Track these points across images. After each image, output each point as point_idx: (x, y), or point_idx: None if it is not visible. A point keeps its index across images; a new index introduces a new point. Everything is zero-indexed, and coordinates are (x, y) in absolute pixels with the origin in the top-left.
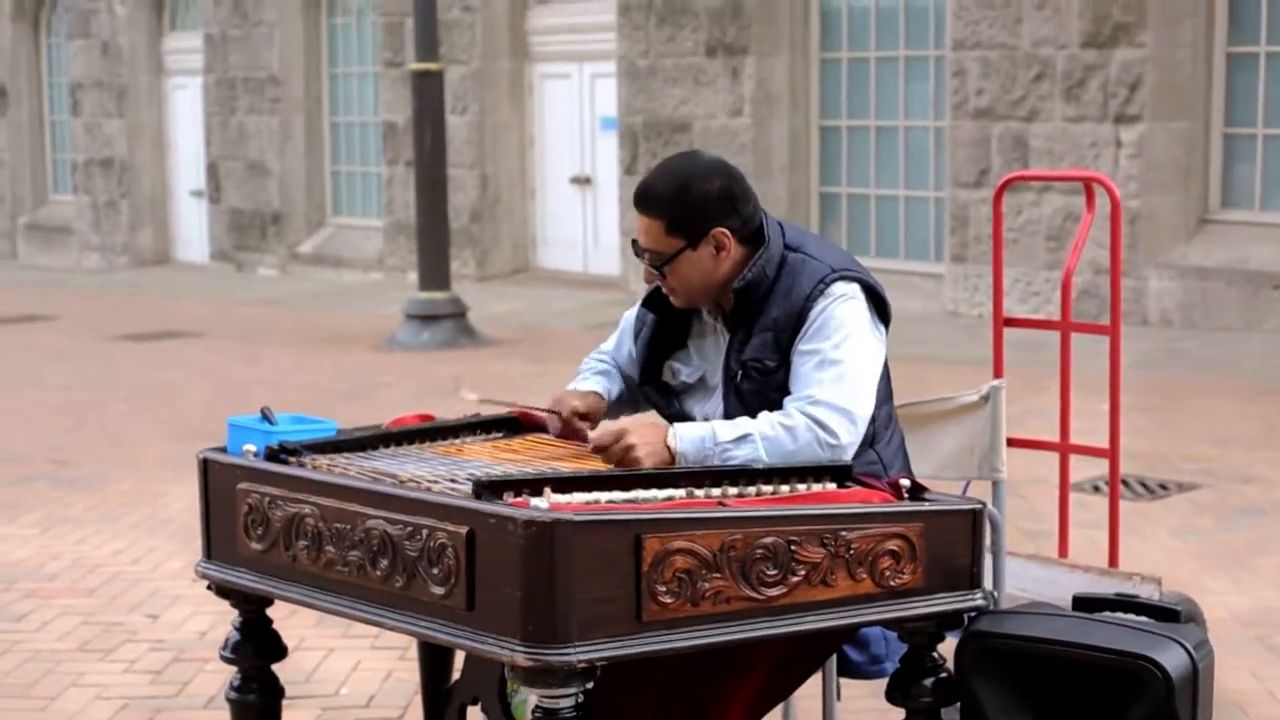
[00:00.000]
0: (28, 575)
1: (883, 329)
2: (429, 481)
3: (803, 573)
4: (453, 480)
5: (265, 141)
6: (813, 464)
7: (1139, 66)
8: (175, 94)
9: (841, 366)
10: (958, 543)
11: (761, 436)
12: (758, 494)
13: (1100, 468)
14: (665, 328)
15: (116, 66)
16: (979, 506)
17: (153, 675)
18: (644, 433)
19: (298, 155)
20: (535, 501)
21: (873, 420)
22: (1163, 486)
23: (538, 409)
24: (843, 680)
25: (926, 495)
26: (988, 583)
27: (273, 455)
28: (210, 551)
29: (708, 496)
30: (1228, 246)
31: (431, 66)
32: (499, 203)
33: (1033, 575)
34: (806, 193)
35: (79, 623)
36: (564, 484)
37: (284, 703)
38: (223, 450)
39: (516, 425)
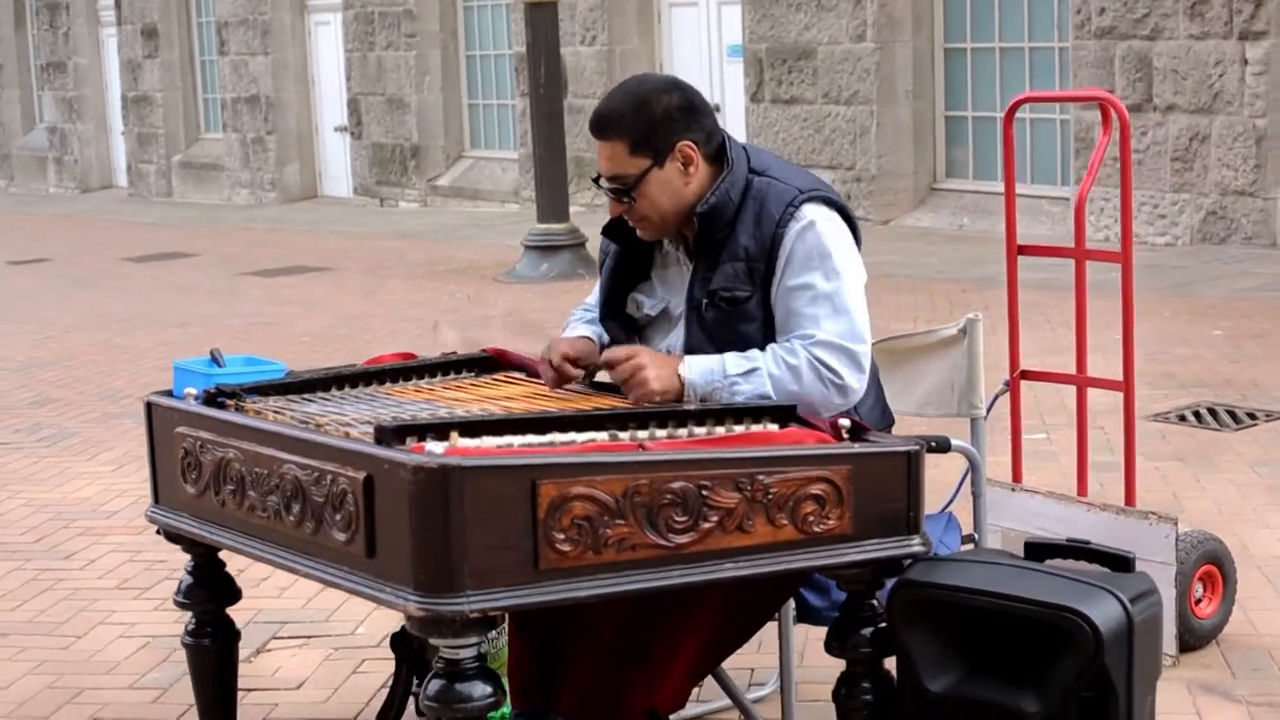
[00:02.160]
0: (89, 513)
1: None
2: (345, 426)
3: (715, 519)
4: (372, 424)
5: (403, 76)
6: (757, 403)
7: None
8: (317, 30)
9: (836, 300)
10: (892, 486)
11: (769, 374)
12: (689, 435)
13: (1186, 397)
14: (628, 258)
15: (260, 4)
16: (914, 448)
17: (180, 614)
18: (657, 358)
19: (435, 89)
20: (430, 446)
21: None
22: (1251, 416)
23: (527, 357)
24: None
25: (868, 436)
26: (968, 525)
27: (210, 399)
28: (157, 495)
29: (633, 439)
30: None
31: None
32: None
33: (1052, 513)
34: (932, 117)
35: (124, 560)
36: (474, 428)
37: (299, 641)
38: (168, 394)
39: (491, 364)
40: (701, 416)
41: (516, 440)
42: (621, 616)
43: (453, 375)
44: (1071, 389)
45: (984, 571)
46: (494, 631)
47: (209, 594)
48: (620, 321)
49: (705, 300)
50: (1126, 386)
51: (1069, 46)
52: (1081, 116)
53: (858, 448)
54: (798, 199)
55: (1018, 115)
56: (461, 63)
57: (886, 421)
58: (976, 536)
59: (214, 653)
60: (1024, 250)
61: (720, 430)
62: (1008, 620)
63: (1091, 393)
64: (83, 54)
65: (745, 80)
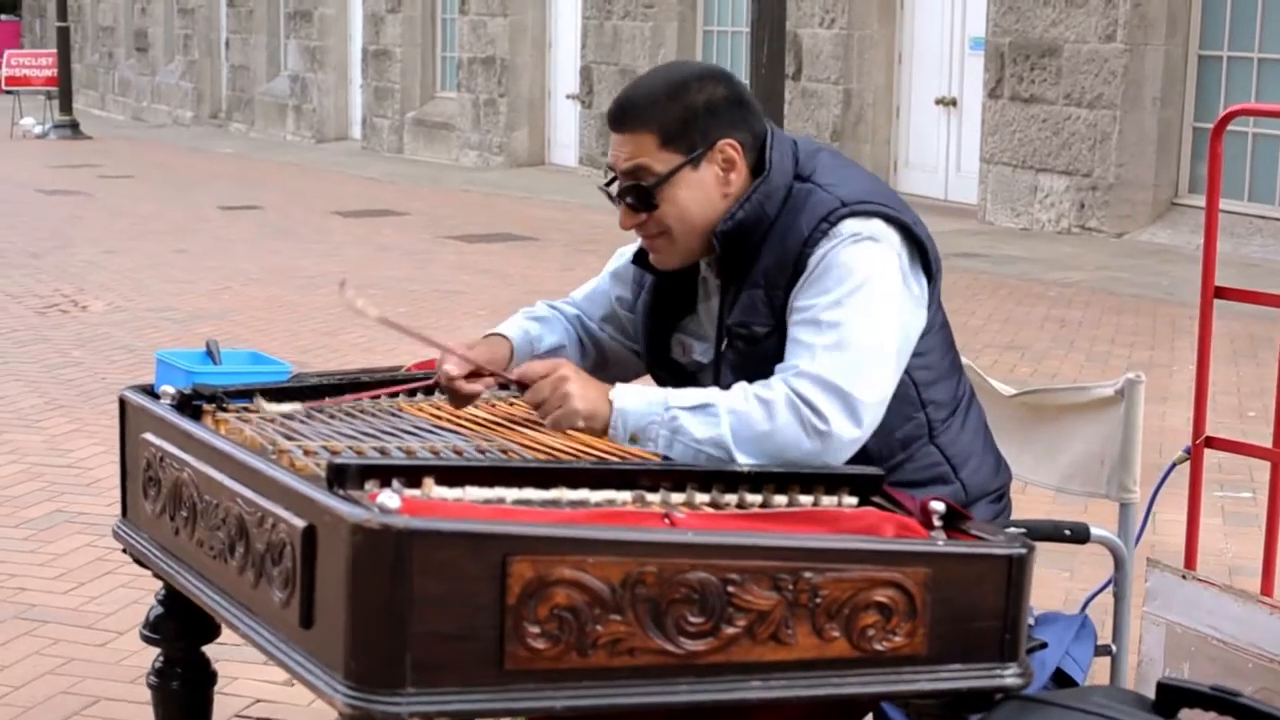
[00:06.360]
0: None
1: (922, 280)
2: (312, 455)
3: (743, 623)
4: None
5: (637, 48)
6: (834, 470)
7: None
8: None
9: (841, 330)
10: (983, 598)
11: (729, 410)
12: (738, 504)
13: None
14: (667, 290)
15: None
16: (1019, 551)
17: None
18: (584, 376)
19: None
20: (383, 497)
21: (923, 406)
22: None
23: (437, 342)
24: None
25: (965, 527)
26: (1106, 635)
27: (183, 402)
28: (125, 509)
29: (664, 504)
30: None
31: None
32: (861, 121)
33: (1226, 611)
34: (1179, 127)
35: None
36: (457, 474)
37: None
38: (149, 390)
39: None
40: (757, 481)
41: (510, 495)
42: None
43: (505, 392)
44: None
45: None
46: None
47: (180, 628)
48: (670, 370)
49: (726, 338)
50: None
51: None
52: None
53: (942, 545)
54: (837, 212)
55: (1275, 134)
56: (698, 38)
57: (1000, 481)
58: (1114, 649)
59: (182, 696)
60: (1221, 294)
61: (780, 500)
62: None
63: None
64: (329, 4)
65: (985, 75)
